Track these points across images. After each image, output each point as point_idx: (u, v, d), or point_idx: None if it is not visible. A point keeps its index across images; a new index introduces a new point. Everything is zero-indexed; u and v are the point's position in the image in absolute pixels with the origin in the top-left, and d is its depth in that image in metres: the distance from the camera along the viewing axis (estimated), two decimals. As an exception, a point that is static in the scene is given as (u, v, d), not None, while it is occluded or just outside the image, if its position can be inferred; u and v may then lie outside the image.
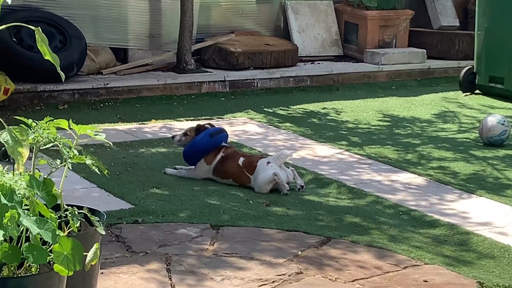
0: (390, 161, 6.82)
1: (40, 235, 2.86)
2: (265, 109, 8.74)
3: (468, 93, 9.80)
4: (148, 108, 8.62)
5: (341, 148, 7.18)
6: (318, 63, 10.75)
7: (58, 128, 3.25)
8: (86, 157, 3.26)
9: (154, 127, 7.78)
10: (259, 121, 8.17)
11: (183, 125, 7.59)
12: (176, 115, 8.30)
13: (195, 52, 10.03)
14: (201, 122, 6.65)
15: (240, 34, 10.59)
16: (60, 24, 9.10)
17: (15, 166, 3.05)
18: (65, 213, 3.26)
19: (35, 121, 3.25)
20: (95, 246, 3.04)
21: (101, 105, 8.65)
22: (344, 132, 7.82)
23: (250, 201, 5.67)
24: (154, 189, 5.85)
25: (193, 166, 6.21)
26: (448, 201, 5.82)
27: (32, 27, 3.09)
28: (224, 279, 4.33)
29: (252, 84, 9.76)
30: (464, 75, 9.84)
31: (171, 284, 4.25)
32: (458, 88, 9.88)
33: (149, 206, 5.44)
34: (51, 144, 3.23)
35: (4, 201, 2.87)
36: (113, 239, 4.83)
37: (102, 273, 4.24)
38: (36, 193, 3.01)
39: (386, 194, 5.92)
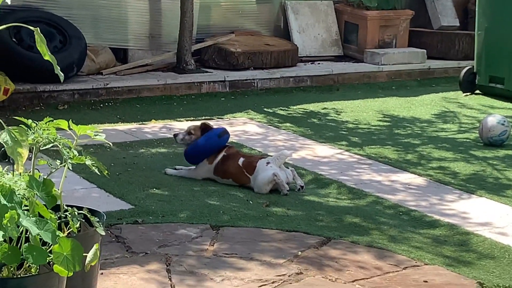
0: (390, 161, 6.82)
1: (40, 236, 2.86)
2: (265, 109, 8.74)
3: (468, 93, 9.79)
4: (148, 108, 8.62)
5: (341, 148, 7.18)
6: (318, 63, 10.75)
7: (58, 129, 3.25)
8: (86, 158, 3.26)
9: (154, 128, 7.78)
10: (259, 121, 8.17)
11: (183, 125, 7.59)
12: (176, 115, 8.30)
13: (195, 52, 10.02)
14: (196, 122, 6.64)
15: (240, 34, 10.59)
16: (60, 24, 9.10)
17: (15, 166, 3.05)
18: (65, 213, 3.26)
19: (35, 121, 3.25)
20: (95, 246, 3.04)
21: (101, 105, 8.65)
22: (344, 132, 7.81)
23: (250, 202, 5.67)
24: (154, 189, 5.85)
25: (193, 166, 6.21)
26: (448, 202, 5.82)
27: (31, 27, 3.09)
28: (224, 279, 4.33)
29: (252, 84, 9.76)
30: (464, 75, 9.83)
31: (171, 285, 4.25)
32: (458, 88, 9.88)
33: (149, 207, 5.43)
34: (51, 145, 3.23)
35: (3, 201, 2.87)
36: (113, 239, 4.83)
37: (102, 273, 4.23)
38: (36, 193, 3.01)
39: (386, 195, 5.92)
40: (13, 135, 3.00)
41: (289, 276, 4.40)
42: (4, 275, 2.91)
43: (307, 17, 11.17)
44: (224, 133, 6.17)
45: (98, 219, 3.30)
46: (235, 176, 6.01)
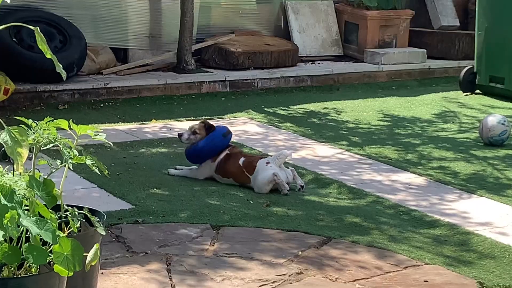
0: (390, 161, 6.82)
1: (40, 236, 2.86)
2: (266, 109, 8.74)
3: (468, 93, 9.79)
4: (148, 108, 8.62)
5: (341, 148, 7.17)
6: (319, 63, 10.75)
7: (58, 128, 3.25)
8: (86, 158, 3.26)
9: (154, 127, 7.77)
10: (259, 121, 8.17)
11: (183, 125, 7.59)
12: (177, 115, 8.30)
13: (195, 52, 10.02)
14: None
15: (240, 34, 10.59)
16: (60, 24, 9.10)
17: (15, 166, 3.05)
18: (65, 213, 3.26)
19: (35, 121, 3.25)
20: (95, 246, 3.04)
21: (101, 105, 8.65)
22: (345, 132, 7.81)
23: (251, 201, 5.67)
24: (155, 189, 5.85)
25: (195, 166, 6.21)
26: (449, 201, 5.82)
27: (31, 27, 3.09)
28: (225, 279, 4.33)
29: (252, 84, 9.76)
30: (465, 75, 9.83)
31: (171, 285, 4.25)
32: (459, 88, 9.87)
33: (150, 206, 5.43)
34: (51, 145, 3.23)
35: (4, 201, 2.87)
36: (113, 239, 4.83)
37: (102, 273, 4.23)
38: (36, 193, 3.01)
39: (386, 194, 5.92)
40: (13, 135, 3.00)
41: (289, 276, 4.40)
42: (4, 275, 2.91)
43: (307, 17, 11.17)
44: (228, 133, 6.18)
45: (98, 219, 3.30)
46: (235, 175, 6.01)
